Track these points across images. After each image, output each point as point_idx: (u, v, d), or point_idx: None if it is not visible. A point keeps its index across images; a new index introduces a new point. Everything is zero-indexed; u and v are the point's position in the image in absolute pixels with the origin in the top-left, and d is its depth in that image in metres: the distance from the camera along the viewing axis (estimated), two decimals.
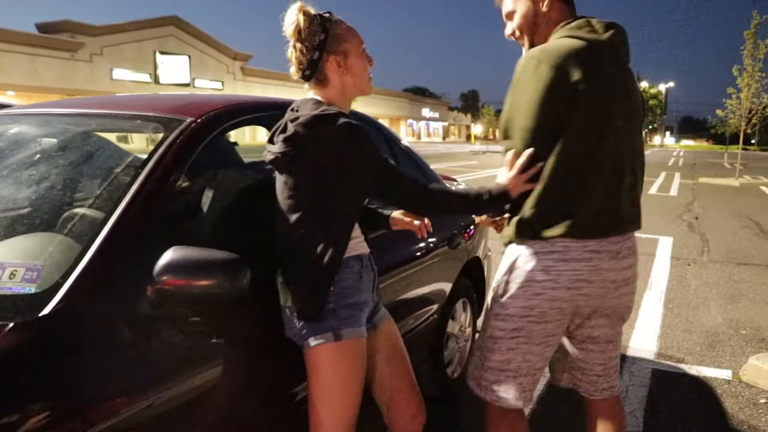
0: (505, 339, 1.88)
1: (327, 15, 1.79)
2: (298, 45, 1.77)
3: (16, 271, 1.41)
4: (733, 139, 24.12)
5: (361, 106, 29.44)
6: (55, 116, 2.22)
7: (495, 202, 1.85)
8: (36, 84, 30.62)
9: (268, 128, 2.21)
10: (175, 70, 39.37)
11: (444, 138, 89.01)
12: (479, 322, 3.82)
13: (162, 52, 38.53)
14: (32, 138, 2.13)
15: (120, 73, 35.86)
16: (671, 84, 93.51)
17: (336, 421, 1.78)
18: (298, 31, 1.76)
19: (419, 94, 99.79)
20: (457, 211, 2.18)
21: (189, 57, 40.39)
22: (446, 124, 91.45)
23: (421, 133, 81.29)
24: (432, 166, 3.30)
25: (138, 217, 1.57)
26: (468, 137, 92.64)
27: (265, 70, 44.60)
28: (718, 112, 23.06)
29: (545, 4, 1.86)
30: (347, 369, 1.77)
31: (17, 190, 1.86)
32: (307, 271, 1.75)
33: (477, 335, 1.99)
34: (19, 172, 1.96)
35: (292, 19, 1.76)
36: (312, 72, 1.80)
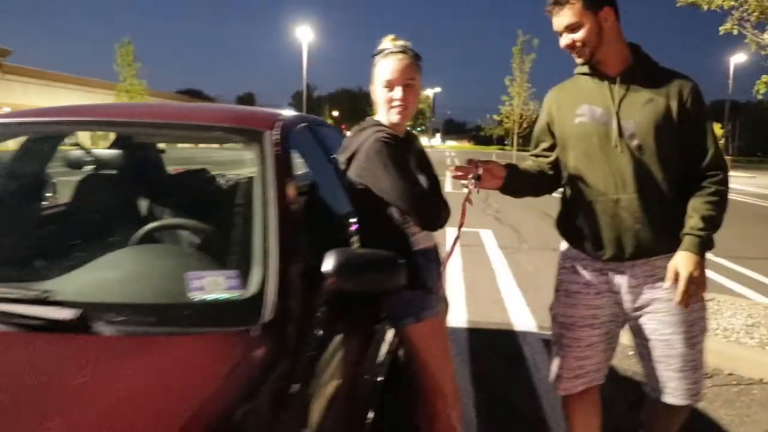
0: None
1: (377, 52, 2.11)
2: None
3: (217, 279, 1.41)
4: (496, 140, 27.68)
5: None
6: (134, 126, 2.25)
7: None
8: None
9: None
10: None
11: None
12: None
13: None
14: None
15: None
16: (438, 89, 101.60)
17: (439, 384, 2.15)
18: None
19: (194, 96, 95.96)
20: None
21: None
22: None
23: None
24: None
25: (290, 222, 1.66)
26: None
27: (27, 67, 39.65)
28: (495, 116, 26.17)
29: (609, 21, 2.00)
30: (428, 344, 2.13)
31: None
32: None
33: None
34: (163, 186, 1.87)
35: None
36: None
